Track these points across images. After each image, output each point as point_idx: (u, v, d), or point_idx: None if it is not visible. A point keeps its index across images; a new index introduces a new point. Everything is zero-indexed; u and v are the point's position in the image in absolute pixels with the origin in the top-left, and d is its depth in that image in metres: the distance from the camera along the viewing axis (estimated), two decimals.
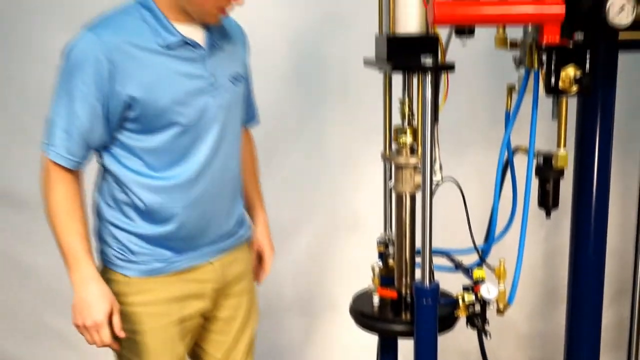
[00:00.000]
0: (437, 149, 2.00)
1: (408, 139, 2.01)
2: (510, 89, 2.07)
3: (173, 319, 1.97)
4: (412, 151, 2.03)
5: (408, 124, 2.04)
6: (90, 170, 1.94)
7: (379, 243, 2.25)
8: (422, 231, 1.93)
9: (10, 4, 2.93)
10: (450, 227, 2.31)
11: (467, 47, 2.10)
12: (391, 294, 2.11)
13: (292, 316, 3.21)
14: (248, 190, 2.21)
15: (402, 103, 2.04)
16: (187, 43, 1.82)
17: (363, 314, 2.13)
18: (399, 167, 2.04)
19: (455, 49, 2.07)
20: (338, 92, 2.98)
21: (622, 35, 1.79)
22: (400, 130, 2.03)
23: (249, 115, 2.17)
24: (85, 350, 3.10)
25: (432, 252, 2.00)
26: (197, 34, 1.86)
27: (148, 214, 1.90)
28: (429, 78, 1.84)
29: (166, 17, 1.80)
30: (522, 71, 2.01)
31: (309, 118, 2.97)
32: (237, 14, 1.92)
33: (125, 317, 1.92)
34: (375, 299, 2.13)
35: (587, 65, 1.83)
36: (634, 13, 1.69)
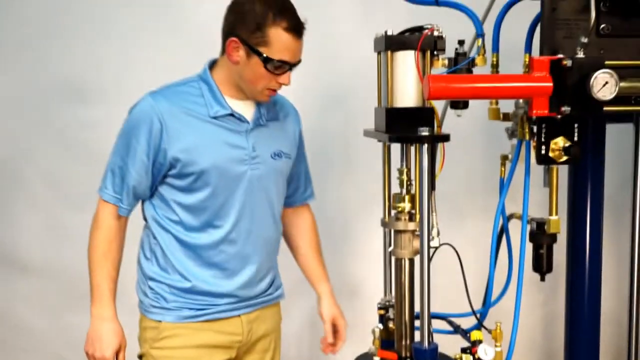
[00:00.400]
0: (434, 215, 2.09)
1: (406, 205, 2.11)
2: (504, 158, 2.17)
3: None
4: (411, 217, 2.12)
5: (406, 192, 2.13)
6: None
7: (380, 307, 2.32)
8: (420, 293, 2.00)
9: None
10: (451, 292, 2.35)
11: (466, 118, 2.21)
12: (391, 355, 2.16)
13: None
14: (312, 264, 2.34)
15: (401, 172, 2.13)
16: (233, 115, 1.99)
17: None
18: (398, 233, 2.13)
19: (454, 120, 2.18)
20: (340, 163, 3.10)
21: (610, 107, 1.90)
22: (399, 198, 2.12)
23: (306, 191, 2.32)
24: None
25: (432, 315, 2.08)
26: (247, 110, 2.04)
27: (180, 268, 2.04)
28: (425, 148, 1.95)
29: (220, 91, 2.00)
30: (515, 141, 2.12)
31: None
32: None
33: None
34: None
35: (576, 136, 1.94)
36: (617, 88, 1.80)
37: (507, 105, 2.15)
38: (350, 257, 3.24)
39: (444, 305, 2.32)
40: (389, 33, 2.04)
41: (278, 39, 1.88)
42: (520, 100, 2.04)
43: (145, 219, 2.10)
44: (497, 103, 2.19)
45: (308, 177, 2.33)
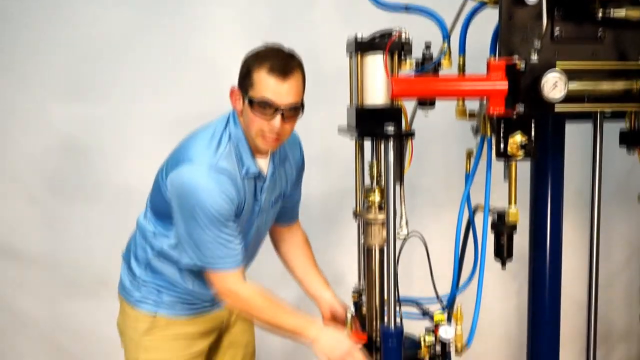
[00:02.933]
0: (403, 207, 2.23)
1: (376, 197, 2.25)
2: (469, 154, 2.31)
3: (193, 351, 2.29)
4: (381, 208, 2.25)
5: (377, 184, 2.27)
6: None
7: (354, 292, 2.46)
8: (387, 279, 2.15)
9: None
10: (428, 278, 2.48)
11: (443, 116, 2.34)
12: (362, 337, 2.31)
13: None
14: (311, 275, 2.50)
15: (371, 166, 2.27)
16: (259, 174, 2.14)
17: None
18: (369, 223, 2.26)
19: (431, 119, 2.31)
20: (321, 158, 3.24)
21: (563, 106, 2.04)
22: (369, 190, 2.26)
23: (297, 210, 2.52)
24: None
25: (402, 300, 2.22)
26: (264, 165, 2.17)
27: (177, 281, 2.24)
28: (391, 144, 2.09)
29: (250, 147, 2.11)
30: (479, 138, 2.26)
31: None
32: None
33: (152, 349, 2.25)
34: None
35: (532, 133, 2.08)
36: (566, 89, 1.94)
37: (475, 104, 2.27)
38: (334, 248, 3.38)
39: (424, 294, 2.41)
40: (359, 37, 2.17)
41: (260, 80, 1.99)
42: (484, 100, 2.18)
43: (151, 243, 2.24)
44: (463, 103, 2.32)
45: (300, 197, 2.49)
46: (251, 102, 2.01)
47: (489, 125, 2.14)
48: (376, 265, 2.28)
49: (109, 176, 3.27)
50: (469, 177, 2.26)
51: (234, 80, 2.14)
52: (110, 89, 3.22)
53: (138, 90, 3.23)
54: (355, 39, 2.16)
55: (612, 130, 2.39)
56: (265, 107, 2.00)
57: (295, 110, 2.05)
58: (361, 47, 2.15)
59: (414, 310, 2.41)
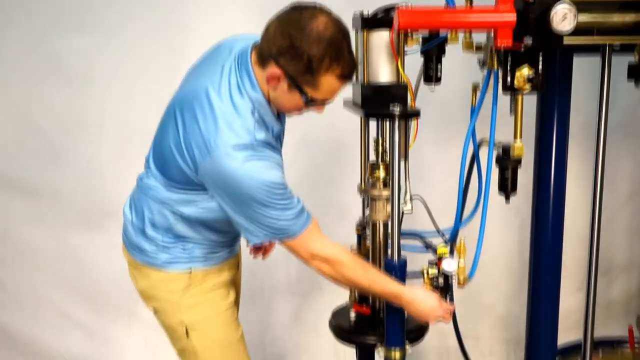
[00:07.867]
0: (408, 183, 2.22)
1: (381, 173, 2.26)
2: (475, 87, 2.29)
3: (230, 300, 2.26)
4: (385, 185, 2.25)
5: (382, 161, 2.27)
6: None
7: (357, 227, 2.48)
8: (391, 237, 2.18)
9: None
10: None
11: (449, 48, 2.30)
12: (365, 310, 2.37)
13: (282, 297, 3.44)
14: None
15: (377, 142, 2.27)
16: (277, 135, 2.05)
17: (342, 328, 2.39)
18: (374, 199, 2.27)
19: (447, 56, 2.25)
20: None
21: (577, 40, 2.01)
22: (375, 167, 2.27)
23: None
24: (80, 325, 3.32)
25: (404, 233, 2.23)
26: (276, 125, 2.03)
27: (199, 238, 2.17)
28: (397, 123, 2.08)
29: (271, 109, 1.97)
30: (485, 71, 2.23)
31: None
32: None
33: (195, 306, 2.18)
34: (352, 315, 2.39)
35: (540, 67, 2.05)
36: (576, 21, 1.91)
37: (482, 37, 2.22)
38: (336, 182, 3.39)
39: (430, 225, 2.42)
40: (365, 13, 2.12)
41: (328, 85, 1.86)
42: (491, 32, 2.15)
43: (174, 209, 2.10)
44: (470, 36, 2.28)
45: None
46: (310, 101, 1.90)
47: (496, 59, 2.11)
48: (381, 240, 2.32)
49: (112, 111, 3.25)
50: (474, 111, 2.24)
51: (239, 17, 2.07)
52: (115, 22, 3.17)
53: (140, 29, 3.17)
54: (361, 15, 2.12)
55: (620, 63, 2.35)
56: (323, 104, 1.96)
57: None
58: (367, 24, 2.11)
59: (417, 243, 2.43)
